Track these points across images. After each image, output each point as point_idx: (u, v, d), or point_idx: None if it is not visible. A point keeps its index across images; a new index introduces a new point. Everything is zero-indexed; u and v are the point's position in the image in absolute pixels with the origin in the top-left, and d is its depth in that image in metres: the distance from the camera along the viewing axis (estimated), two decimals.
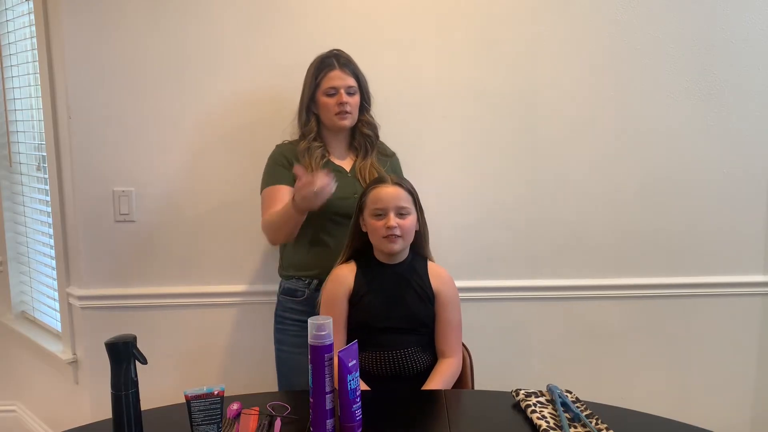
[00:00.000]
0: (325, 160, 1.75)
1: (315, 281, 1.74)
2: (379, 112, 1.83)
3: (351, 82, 1.73)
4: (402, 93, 1.96)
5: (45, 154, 2.15)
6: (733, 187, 2.02)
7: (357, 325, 1.57)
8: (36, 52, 2.11)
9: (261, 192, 1.77)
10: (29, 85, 2.29)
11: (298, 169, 1.55)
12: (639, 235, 2.04)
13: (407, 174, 1.94)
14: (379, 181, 1.59)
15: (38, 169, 2.31)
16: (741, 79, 1.97)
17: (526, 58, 1.96)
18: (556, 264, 2.05)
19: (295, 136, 1.82)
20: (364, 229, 1.59)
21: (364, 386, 1.50)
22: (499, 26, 1.94)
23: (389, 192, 1.55)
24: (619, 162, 2.01)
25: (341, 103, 1.71)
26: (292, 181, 1.65)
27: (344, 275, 1.59)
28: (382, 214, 1.53)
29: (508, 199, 2.02)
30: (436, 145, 1.99)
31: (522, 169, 2.01)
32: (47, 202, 2.20)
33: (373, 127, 1.82)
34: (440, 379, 1.56)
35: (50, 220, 2.18)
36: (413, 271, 1.60)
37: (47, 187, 2.18)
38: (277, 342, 1.84)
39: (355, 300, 1.57)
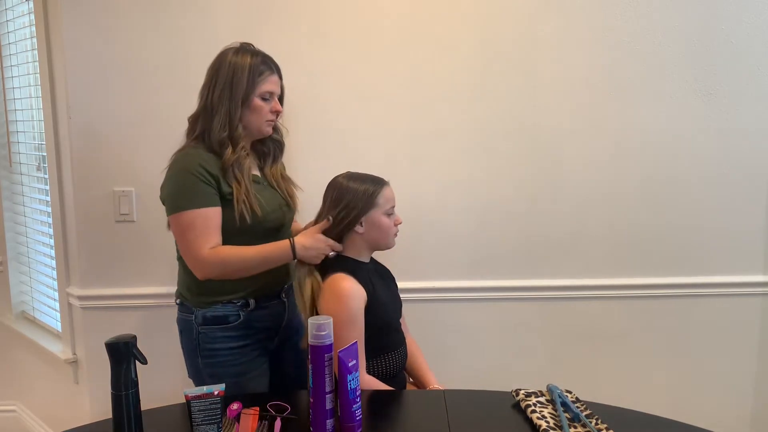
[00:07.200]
0: (253, 173, 1.58)
1: (252, 300, 1.56)
2: (379, 112, 1.83)
3: (281, 89, 1.61)
4: (401, 93, 1.96)
5: (45, 154, 2.15)
6: (733, 187, 2.02)
7: (377, 330, 1.52)
8: (36, 52, 2.11)
9: (177, 211, 1.47)
10: (29, 85, 2.29)
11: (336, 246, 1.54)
12: (639, 235, 2.04)
13: (409, 176, 1.95)
14: (379, 180, 1.58)
15: (38, 169, 2.31)
16: (741, 79, 1.97)
17: (526, 58, 1.95)
18: (556, 264, 2.05)
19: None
20: (360, 231, 1.53)
21: (386, 387, 1.50)
22: (500, 26, 1.94)
23: (392, 190, 1.59)
24: (619, 162, 2.00)
25: (275, 111, 1.58)
26: (219, 201, 1.49)
27: (358, 288, 1.50)
28: (392, 212, 1.58)
29: (507, 199, 2.01)
30: (435, 145, 1.99)
31: (522, 169, 2.00)
32: (47, 202, 2.20)
33: (280, 131, 1.68)
34: (423, 357, 1.70)
35: (50, 220, 2.18)
36: (376, 262, 1.66)
37: (47, 187, 2.17)
38: (211, 377, 1.55)
39: (372, 307, 1.51)
